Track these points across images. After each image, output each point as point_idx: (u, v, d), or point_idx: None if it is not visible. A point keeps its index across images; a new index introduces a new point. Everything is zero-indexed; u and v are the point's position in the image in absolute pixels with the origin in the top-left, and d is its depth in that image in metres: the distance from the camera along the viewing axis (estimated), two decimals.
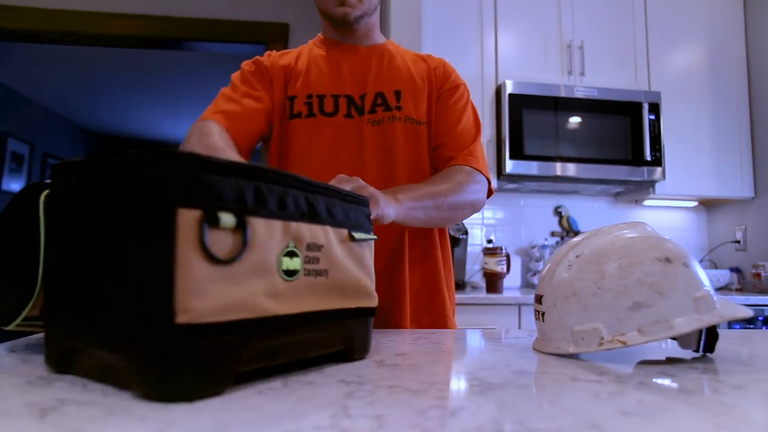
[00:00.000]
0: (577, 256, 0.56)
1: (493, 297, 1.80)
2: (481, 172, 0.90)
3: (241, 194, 0.37)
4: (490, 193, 0.94)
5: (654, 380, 0.43)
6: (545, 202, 2.43)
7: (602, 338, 0.51)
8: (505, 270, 1.90)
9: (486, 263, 1.92)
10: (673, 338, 0.58)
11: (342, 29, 0.93)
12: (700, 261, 2.45)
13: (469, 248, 2.31)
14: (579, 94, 2.07)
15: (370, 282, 0.51)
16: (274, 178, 0.40)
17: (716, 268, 2.42)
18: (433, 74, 0.95)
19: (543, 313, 0.57)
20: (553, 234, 2.41)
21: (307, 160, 0.88)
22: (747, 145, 2.27)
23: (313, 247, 0.43)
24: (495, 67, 2.11)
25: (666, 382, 0.42)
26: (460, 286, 2.12)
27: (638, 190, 2.25)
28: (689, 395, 0.38)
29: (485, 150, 2.05)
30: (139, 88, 4.02)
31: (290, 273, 0.41)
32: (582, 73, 2.13)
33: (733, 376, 0.45)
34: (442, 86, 0.95)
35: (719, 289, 2.22)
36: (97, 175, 0.38)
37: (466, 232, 2.14)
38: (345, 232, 0.48)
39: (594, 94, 2.07)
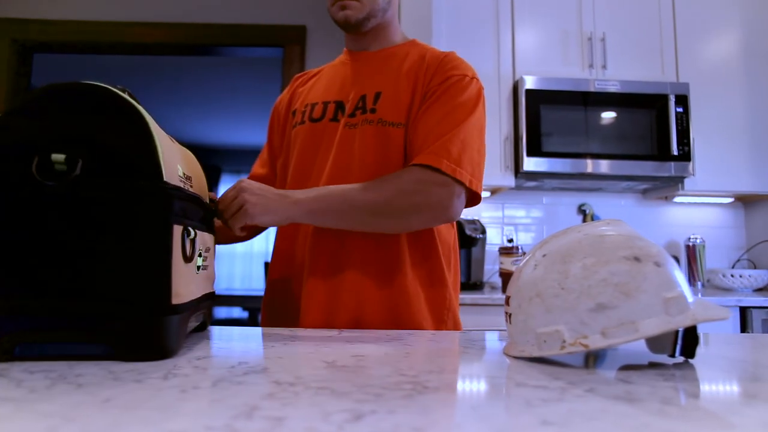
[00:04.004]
0: (544, 255, 0.53)
1: None
2: (444, 172, 0.77)
3: (188, 213, 0.55)
4: (474, 197, 0.83)
5: (605, 387, 0.40)
6: (569, 200, 2.36)
7: (564, 341, 0.48)
8: None
9: (502, 263, 1.88)
10: (647, 341, 0.55)
11: (350, 33, 0.93)
12: (737, 260, 2.32)
13: (488, 248, 2.27)
14: (601, 87, 1.99)
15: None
16: (194, 199, 0.57)
17: (755, 267, 2.29)
18: (422, 69, 0.86)
19: (510, 315, 0.55)
20: None
21: (296, 165, 0.91)
22: None
23: (207, 249, 0.62)
24: (512, 63, 2.06)
25: (617, 389, 0.40)
26: (478, 286, 2.08)
27: (666, 187, 2.14)
28: (631, 404, 0.35)
29: (500, 148, 2.02)
30: (170, 93, 4.16)
31: (199, 268, 0.58)
32: (604, 66, 2.06)
33: (699, 383, 0.42)
34: (432, 81, 0.84)
35: (758, 290, 2.09)
36: (89, 191, 0.47)
37: (483, 231, 2.10)
38: (212, 236, 0.67)
39: (617, 88, 2.00)
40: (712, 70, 2.11)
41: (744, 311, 1.76)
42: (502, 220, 2.34)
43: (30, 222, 0.46)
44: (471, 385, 0.40)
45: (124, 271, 0.47)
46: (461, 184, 0.79)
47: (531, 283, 0.52)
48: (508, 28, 2.08)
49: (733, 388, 0.41)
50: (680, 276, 0.50)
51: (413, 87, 0.86)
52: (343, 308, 0.81)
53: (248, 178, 1.00)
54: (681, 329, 0.51)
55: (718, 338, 0.69)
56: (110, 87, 0.49)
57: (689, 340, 0.52)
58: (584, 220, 2.33)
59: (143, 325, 0.48)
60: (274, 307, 0.90)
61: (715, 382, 0.43)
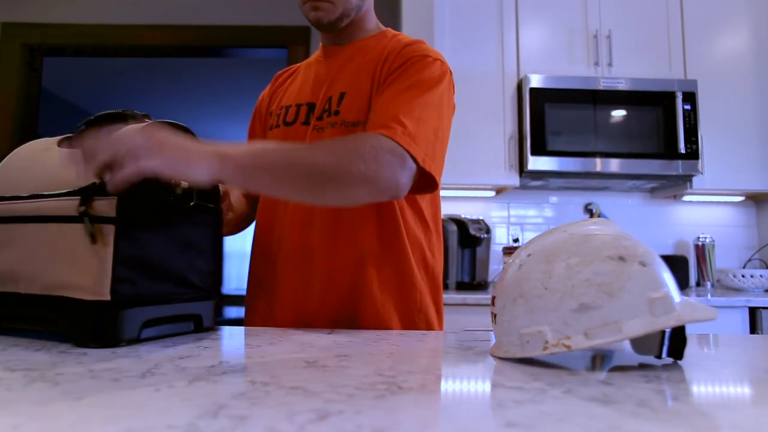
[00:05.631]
0: (529, 255, 0.53)
1: None
2: (400, 143, 0.68)
3: None
4: (430, 182, 0.74)
5: (583, 388, 0.40)
6: (575, 199, 2.33)
7: (547, 342, 0.48)
8: None
9: (505, 263, 1.87)
10: (632, 342, 0.54)
11: (323, 32, 0.92)
12: (749, 260, 2.28)
13: (494, 247, 2.26)
14: (606, 85, 1.97)
15: None
16: None
17: (767, 267, 2.24)
18: (381, 61, 0.82)
19: (495, 315, 0.54)
20: None
21: None
22: None
23: None
24: (516, 61, 2.05)
25: (595, 390, 0.39)
26: (483, 286, 2.07)
27: (674, 185, 2.11)
28: (605, 406, 0.35)
29: (504, 147, 2.00)
30: (177, 94, 4.21)
31: None
32: (610, 64, 2.03)
33: (681, 385, 0.42)
34: (391, 67, 0.80)
35: None
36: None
37: (488, 231, 2.09)
38: None
39: (623, 85, 1.97)
40: (721, 66, 2.08)
41: (754, 312, 1.73)
42: (508, 220, 2.33)
43: (171, 231, 0.62)
44: (447, 385, 0.40)
45: (207, 266, 0.68)
46: (414, 160, 0.70)
47: (515, 283, 0.52)
48: (512, 25, 2.06)
49: (715, 389, 0.40)
50: (668, 276, 0.49)
51: (372, 81, 0.82)
52: (314, 311, 0.81)
53: None
54: (668, 330, 0.51)
55: (718, 339, 0.68)
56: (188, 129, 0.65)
57: (677, 341, 0.51)
58: None
59: (211, 308, 0.69)
60: (252, 300, 0.90)
61: (699, 383, 0.42)
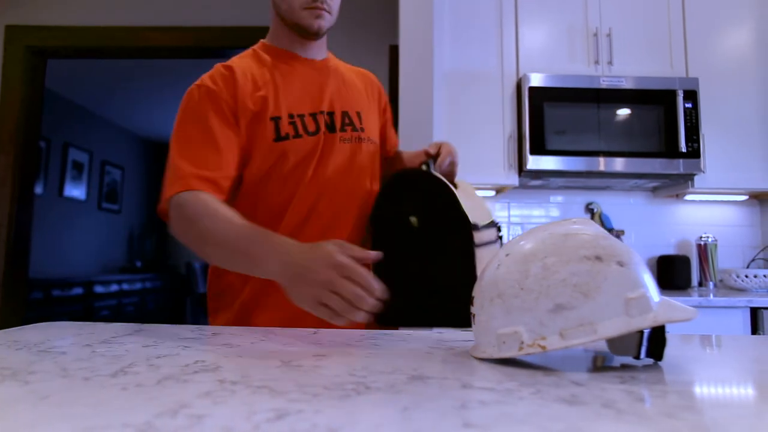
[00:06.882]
0: (507, 255, 0.52)
1: None
2: None
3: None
4: None
5: (554, 389, 0.39)
6: (577, 199, 2.32)
7: (522, 342, 0.47)
8: None
9: None
10: (609, 343, 0.53)
11: (305, 39, 0.92)
12: (752, 260, 2.25)
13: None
14: (606, 84, 1.95)
15: None
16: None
17: None
18: (377, 90, 1.07)
19: (474, 316, 0.54)
20: None
21: (298, 179, 0.87)
22: None
23: None
24: (516, 60, 2.04)
25: (565, 391, 0.39)
26: None
27: (676, 185, 2.09)
28: (570, 406, 0.34)
29: (504, 146, 2.00)
30: (182, 95, 4.22)
31: None
32: (610, 62, 2.02)
33: (656, 387, 0.41)
34: (380, 99, 1.08)
35: None
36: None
37: None
38: None
39: (623, 84, 1.96)
40: (723, 64, 2.06)
41: (755, 312, 1.71)
42: (509, 219, 2.32)
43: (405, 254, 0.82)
44: (415, 386, 0.40)
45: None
46: None
47: (492, 283, 0.51)
48: (511, 24, 2.05)
49: (689, 391, 0.40)
50: (647, 276, 0.49)
51: (378, 110, 1.06)
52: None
53: (197, 181, 0.79)
54: (647, 330, 0.50)
55: (704, 340, 0.67)
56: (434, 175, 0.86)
57: (657, 342, 0.50)
58: (592, 219, 2.29)
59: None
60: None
61: (674, 385, 0.42)
